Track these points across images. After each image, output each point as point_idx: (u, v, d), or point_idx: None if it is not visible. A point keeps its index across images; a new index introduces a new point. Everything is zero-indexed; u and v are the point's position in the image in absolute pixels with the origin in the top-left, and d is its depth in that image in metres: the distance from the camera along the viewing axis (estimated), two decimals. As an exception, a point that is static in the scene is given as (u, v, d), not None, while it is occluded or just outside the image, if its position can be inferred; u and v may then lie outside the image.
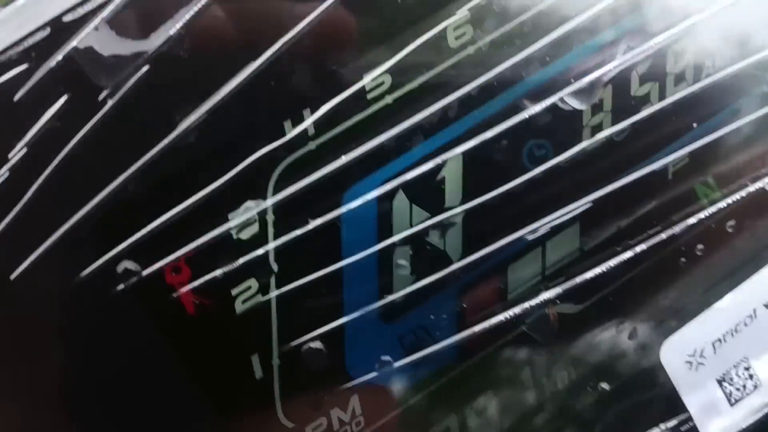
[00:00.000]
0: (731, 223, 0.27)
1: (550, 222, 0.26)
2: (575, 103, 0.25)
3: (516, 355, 0.27)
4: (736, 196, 0.27)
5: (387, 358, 0.25)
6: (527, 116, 0.25)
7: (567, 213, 0.26)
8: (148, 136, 0.21)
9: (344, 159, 0.23)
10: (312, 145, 0.23)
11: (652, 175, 0.26)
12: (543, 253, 0.26)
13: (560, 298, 0.26)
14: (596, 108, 0.25)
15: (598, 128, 0.26)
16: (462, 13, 0.24)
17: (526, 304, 0.26)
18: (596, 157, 0.26)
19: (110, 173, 0.21)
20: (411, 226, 0.25)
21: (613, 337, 0.27)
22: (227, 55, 0.22)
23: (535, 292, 0.26)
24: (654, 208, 0.27)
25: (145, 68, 0.21)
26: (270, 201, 0.23)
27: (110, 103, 0.21)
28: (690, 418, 0.28)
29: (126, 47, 0.21)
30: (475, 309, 0.26)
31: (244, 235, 0.23)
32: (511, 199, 0.25)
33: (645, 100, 0.26)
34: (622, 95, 0.26)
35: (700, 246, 0.27)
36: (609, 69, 0.25)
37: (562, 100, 0.24)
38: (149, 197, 0.22)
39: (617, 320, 0.27)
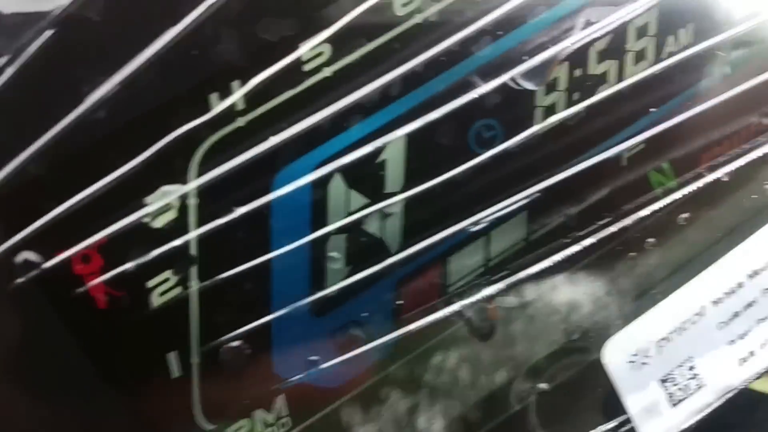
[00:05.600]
0: (685, 215, 0.26)
1: (497, 211, 0.24)
2: (527, 84, 0.23)
3: (453, 351, 0.25)
4: (693, 186, 0.25)
5: (315, 357, 0.23)
6: (476, 96, 0.22)
7: (515, 201, 0.24)
8: (52, 109, 0.19)
9: (276, 138, 0.21)
10: (241, 122, 0.21)
11: (605, 160, 0.24)
12: (487, 243, 0.24)
13: (502, 292, 0.25)
14: (550, 87, 0.24)
15: (551, 110, 0.24)
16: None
17: (467, 300, 0.24)
18: (548, 140, 0.24)
19: (8, 152, 0.19)
20: (348, 213, 0.23)
21: (556, 334, 0.26)
22: (144, 18, 0.19)
23: (476, 286, 0.24)
24: (605, 197, 0.25)
25: (50, 32, 0.19)
26: (192, 185, 0.21)
27: (9, 71, 0.18)
28: (628, 420, 0.26)
29: (28, 5, 0.19)
30: (411, 303, 0.24)
31: (159, 222, 0.21)
32: (456, 186, 0.23)
33: (602, 80, 0.24)
34: (578, 74, 0.24)
35: (650, 239, 0.26)
36: (566, 46, 0.23)
37: (513, 79, 0.22)
38: (53, 179, 0.20)
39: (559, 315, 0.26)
